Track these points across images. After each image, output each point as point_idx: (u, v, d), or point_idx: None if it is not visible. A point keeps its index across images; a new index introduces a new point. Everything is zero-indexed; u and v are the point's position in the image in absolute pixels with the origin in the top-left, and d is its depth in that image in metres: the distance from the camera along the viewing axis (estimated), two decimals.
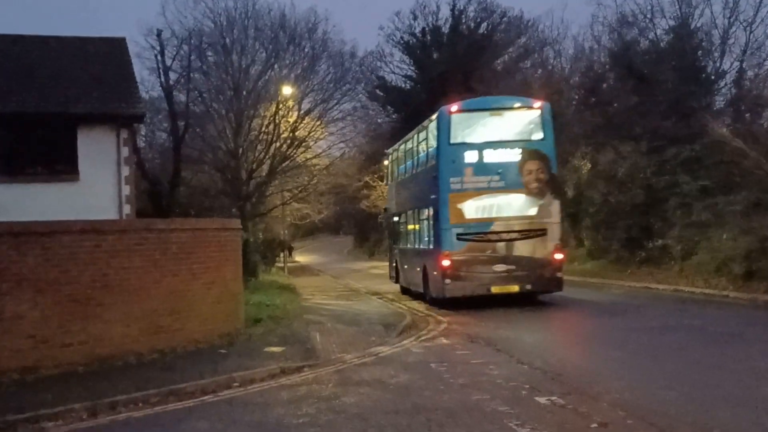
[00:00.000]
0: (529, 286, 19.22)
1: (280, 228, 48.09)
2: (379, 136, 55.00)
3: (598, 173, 32.51)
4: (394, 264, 26.18)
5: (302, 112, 37.23)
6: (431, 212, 20.39)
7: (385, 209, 29.15)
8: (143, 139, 37.12)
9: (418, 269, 21.72)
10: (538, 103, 20.30)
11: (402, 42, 54.00)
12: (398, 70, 55.66)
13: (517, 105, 20.61)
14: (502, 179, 19.32)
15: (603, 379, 10.13)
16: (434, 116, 20.60)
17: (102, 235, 12.28)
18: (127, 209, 18.87)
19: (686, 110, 28.29)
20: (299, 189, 40.97)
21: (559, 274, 19.43)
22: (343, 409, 8.99)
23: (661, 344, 12.79)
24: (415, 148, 23.23)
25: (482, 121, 20.18)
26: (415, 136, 23.25)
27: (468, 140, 19.70)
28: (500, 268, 19.16)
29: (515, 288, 19.16)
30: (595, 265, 29.79)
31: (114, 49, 22.07)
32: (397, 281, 25.75)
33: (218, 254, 14.34)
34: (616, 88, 32.56)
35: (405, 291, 24.43)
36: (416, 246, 22.56)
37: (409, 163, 24.10)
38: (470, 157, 19.42)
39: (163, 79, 32.21)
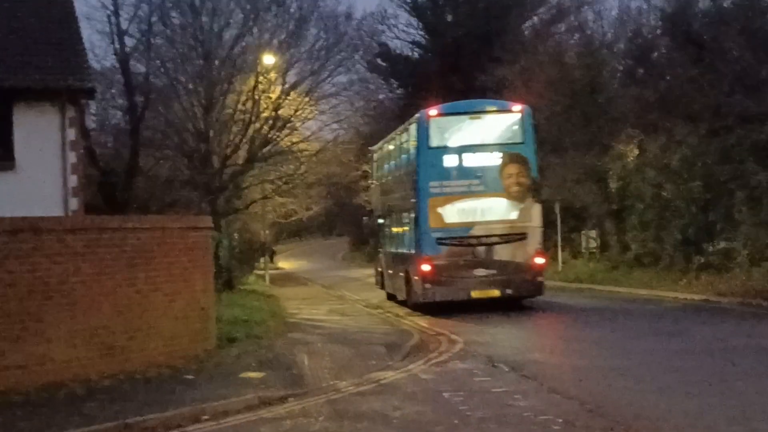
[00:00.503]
0: (509, 291, 22.23)
1: (261, 227, 48.08)
2: (381, 116, 54.99)
3: (647, 161, 32.44)
4: (380, 269, 29.35)
5: (287, 86, 37.20)
6: (412, 216, 23.31)
7: (370, 211, 31.98)
8: (93, 118, 37.07)
9: (401, 274, 24.61)
10: (518, 107, 23.41)
11: (409, 1, 53.98)
12: (404, 35, 55.72)
13: (496, 108, 24.19)
14: (482, 183, 22.47)
15: (652, 412, 10.09)
16: (414, 119, 23.83)
17: (41, 235, 12.26)
18: (73, 204, 18.84)
19: (756, 84, 28.20)
20: (283, 180, 40.92)
21: (540, 279, 22.49)
22: None
23: (723, 371, 12.75)
24: (396, 150, 26.47)
25: (462, 124, 23.43)
26: (397, 137, 26.34)
27: (448, 144, 22.95)
28: (480, 272, 22.15)
29: (496, 293, 22.13)
30: (644, 273, 29.73)
31: (57, 9, 22.01)
32: (382, 287, 28.65)
33: (184, 259, 14.32)
34: (669, 57, 32.49)
35: (390, 297, 27.06)
36: (399, 250, 25.56)
37: (392, 164, 27.46)
38: (450, 160, 22.61)
39: (117, 46, 32.18)
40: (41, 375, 11.88)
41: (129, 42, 32.70)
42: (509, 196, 22.59)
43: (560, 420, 9.68)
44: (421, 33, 54.65)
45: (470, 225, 22.43)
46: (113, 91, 35.92)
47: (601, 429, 9.18)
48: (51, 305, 12.15)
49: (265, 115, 35.85)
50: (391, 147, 27.59)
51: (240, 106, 35.54)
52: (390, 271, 27.14)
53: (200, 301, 14.83)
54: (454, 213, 22.44)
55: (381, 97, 56.42)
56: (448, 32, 49.57)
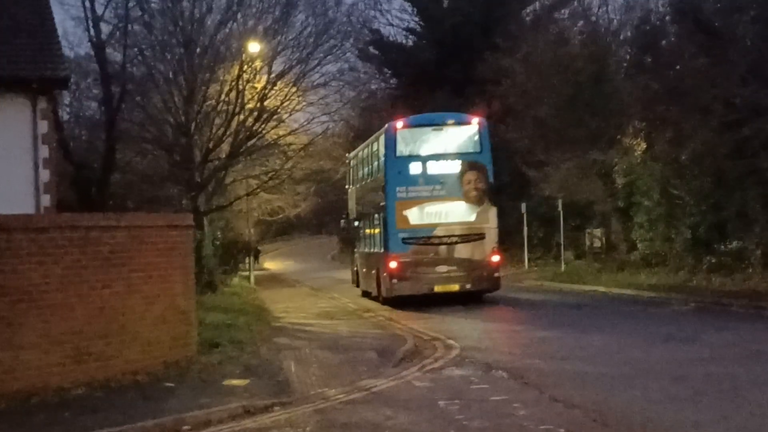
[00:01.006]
0: (468, 286, 26.15)
1: (245, 226, 48.06)
2: (373, 107, 55.01)
3: (655, 156, 32.54)
4: (355, 268, 33.72)
5: (273, 75, 37.15)
6: (381, 218, 27.37)
7: (347, 214, 36.27)
8: (67, 110, 37.10)
9: (373, 271, 28.88)
10: (476, 119, 27.66)
11: None
12: (398, 21, 55.84)
13: (456, 121, 28.16)
14: (444, 188, 26.39)
15: (659, 422, 10.12)
16: (383, 130, 27.92)
17: (11, 234, 12.25)
18: (45, 200, 18.80)
19: None
20: (269, 175, 40.91)
21: (496, 275, 26.62)
22: None
23: (735, 378, 12.79)
24: (368, 158, 30.73)
25: (425, 135, 27.41)
26: (369, 146, 30.63)
27: (412, 153, 26.91)
28: (442, 269, 26.15)
29: (456, 287, 26.11)
30: (651, 274, 29.81)
31: None
32: (357, 285, 32.93)
33: (164, 260, 14.32)
34: (678, 45, 32.54)
35: (365, 294, 30.87)
36: (371, 250, 29.77)
37: (365, 170, 31.81)
38: (415, 168, 26.58)
39: (92, 32, 32.16)
40: (11, 383, 11.86)
41: (105, 28, 32.74)
42: (468, 200, 26.56)
43: (563, 430, 9.71)
44: (416, 19, 54.68)
45: (433, 226, 26.34)
46: (88, 80, 35.96)
47: None
48: (22, 309, 12.13)
49: (249, 106, 35.80)
50: (365, 155, 31.91)
51: (223, 97, 35.48)
52: (364, 270, 31.50)
53: (181, 304, 14.81)
54: (418, 215, 26.37)
55: (373, 87, 56.50)
56: (445, 18, 49.57)
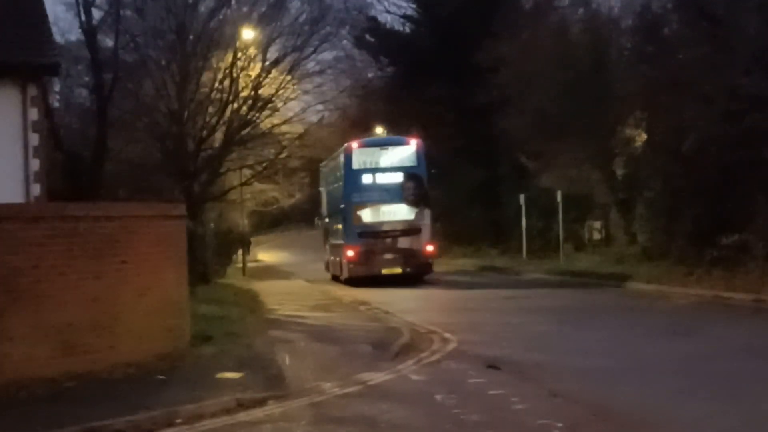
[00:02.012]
0: (408, 269, 33.35)
1: (239, 216, 48.07)
2: (370, 96, 54.99)
3: (656, 146, 32.56)
4: (326, 258, 40.40)
5: (268, 63, 37.11)
6: (342, 216, 34.80)
7: (320, 212, 43.80)
8: (57, 97, 36.99)
9: (338, 259, 36.11)
10: (414, 141, 35.25)
11: None
12: (395, 8, 55.65)
13: (398, 142, 36.14)
14: (389, 194, 33.77)
15: (659, 417, 10.15)
16: (343, 149, 35.52)
17: (0, 223, 12.21)
18: (35, 190, 18.74)
19: None
20: (264, 165, 40.89)
21: (430, 261, 34.12)
22: None
23: (737, 373, 12.83)
24: (333, 169, 38.22)
25: (375, 153, 35.00)
26: (335, 159, 37.86)
27: (365, 167, 34.30)
28: (388, 256, 33.47)
29: (399, 270, 33.28)
30: (652, 267, 29.81)
31: None
32: (328, 270, 39.45)
33: (156, 250, 14.30)
34: (681, 34, 32.53)
35: (334, 278, 37.34)
36: (336, 241, 36.77)
37: (331, 178, 39.13)
38: (367, 178, 34.18)
39: (83, 18, 32.03)
40: (0, 374, 11.85)
41: (96, 14, 32.51)
42: (407, 203, 33.94)
43: (561, 425, 9.72)
44: (414, 6, 54.53)
45: (381, 223, 33.99)
46: (79, 67, 35.79)
47: None
48: (11, 300, 12.12)
49: (243, 94, 35.77)
50: (332, 166, 39.24)
51: (217, 85, 35.43)
52: (332, 258, 38.63)
53: (173, 295, 14.81)
54: (370, 215, 34.08)
55: (370, 75, 56.33)
56: (443, 5, 49.40)
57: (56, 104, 35.13)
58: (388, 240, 33.69)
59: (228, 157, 37.21)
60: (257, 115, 36.66)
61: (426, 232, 33.91)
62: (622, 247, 34.40)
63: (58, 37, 27.96)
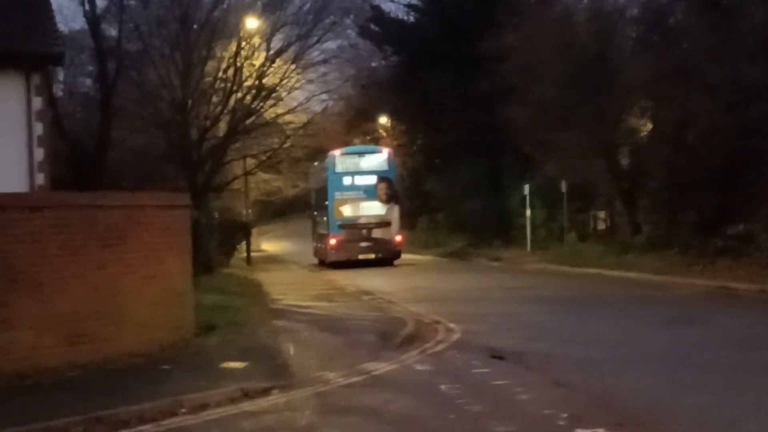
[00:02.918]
0: (380, 255, 39.65)
1: (242, 206, 48.09)
2: (374, 85, 54.99)
3: (661, 136, 32.50)
4: (314, 245, 46.31)
5: (272, 52, 37.14)
6: (326, 211, 40.67)
7: (310, 207, 49.64)
8: (61, 86, 37.03)
9: (322, 246, 42.14)
10: (386, 150, 42.82)
11: None
12: None
13: (373, 151, 43.04)
14: (365, 193, 39.93)
15: (664, 407, 10.16)
16: (328, 155, 41.26)
17: (5, 212, 12.24)
18: (40, 179, 18.77)
19: None
20: (267, 154, 40.93)
21: (398, 248, 40.69)
22: None
23: (741, 363, 12.83)
24: (320, 171, 43.68)
25: (354, 159, 41.01)
26: (321, 163, 43.59)
27: (346, 170, 40.18)
28: (363, 244, 39.54)
29: (372, 256, 39.48)
30: (657, 257, 29.79)
31: None
32: (315, 256, 45.32)
33: (160, 240, 14.31)
34: (686, 23, 32.46)
35: (321, 263, 43.10)
36: (321, 232, 42.92)
37: (318, 179, 44.57)
38: (347, 180, 40.01)
39: (87, 7, 32.03)
40: (5, 364, 11.88)
41: (100, 3, 32.59)
42: (380, 201, 40.05)
43: (565, 415, 9.72)
44: None
45: (358, 217, 39.89)
46: (83, 56, 35.87)
47: (610, 424, 9.22)
48: (16, 289, 12.15)
49: (247, 83, 35.81)
50: (320, 168, 44.33)
51: (220, 74, 35.48)
52: (318, 245, 44.55)
53: (177, 285, 14.81)
54: (349, 210, 39.88)
55: (374, 65, 56.38)
56: None
57: (60, 93, 35.14)
58: (364, 231, 39.82)
59: (232, 146, 37.29)
60: (261, 104, 36.71)
61: (395, 225, 40.48)
62: (627, 237, 34.32)
63: (62, 26, 27.96)
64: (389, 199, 39.92)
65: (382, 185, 39.95)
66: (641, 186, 33.86)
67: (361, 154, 42.14)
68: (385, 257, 39.83)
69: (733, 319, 17.92)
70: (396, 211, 40.41)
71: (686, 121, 29.85)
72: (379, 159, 41.31)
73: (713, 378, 11.82)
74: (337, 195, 39.86)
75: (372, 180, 40.06)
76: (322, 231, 42.41)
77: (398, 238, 40.52)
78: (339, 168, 40.21)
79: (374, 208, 39.96)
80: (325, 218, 41.36)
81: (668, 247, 30.27)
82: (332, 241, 39.69)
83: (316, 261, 44.50)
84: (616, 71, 33.70)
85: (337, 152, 40.97)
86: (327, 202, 40.42)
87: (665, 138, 31.58)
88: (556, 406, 10.18)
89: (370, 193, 39.87)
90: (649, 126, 34.95)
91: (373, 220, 39.86)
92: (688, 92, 29.92)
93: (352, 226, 39.56)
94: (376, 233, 39.77)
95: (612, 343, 15.20)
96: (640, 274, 27.49)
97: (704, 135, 29.00)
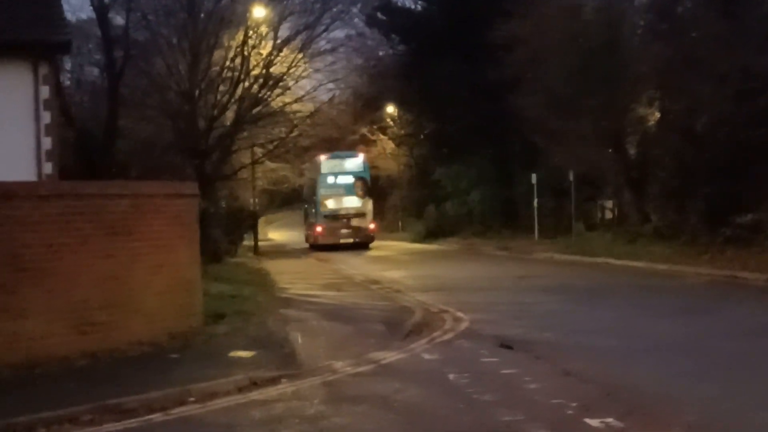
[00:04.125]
0: (357, 239, 47.07)
1: (250, 195, 48.14)
2: (381, 74, 54.97)
3: (669, 125, 32.42)
4: (305, 232, 55.11)
5: (279, 41, 37.10)
6: (314, 204, 48.94)
7: (304, 200, 57.30)
8: (69, 75, 37.04)
9: (311, 232, 50.57)
10: (361, 155, 51.14)
11: None
12: None
13: (352, 156, 50.76)
14: (345, 190, 47.81)
15: (673, 396, 10.16)
16: (317, 158, 49.07)
17: (14, 201, 12.26)
18: (47, 168, 18.78)
19: None
20: (275, 144, 40.91)
21: (372, 234, 48.30)
22: None
23: (749, 353, 12.81)
24: (311, 170, 51.64)
25: (337, 161, 49.03)
26: (313, 164, 50.51)
27: (330, 171, 48.16)
28: (344, 231, 47.06)
29: (351, 240, 46.73)
30: (665, 246, 29.75)
31: None
32: (306, 241, 53.38)
33: (168, 229, 14.33)
34: (695, 12, 32.36)
35: (311, 247, 50.41)
36: (311, 221, 51.31)
37: (310, 177, 52.85)
38: (331, 179, 47.94)
39: None
40: (14, 353, 11.91)
41: None
42: (357, 196, 48.04)
43: (575, 404, 9.72)
44: None
45: (339, 209, 47.81)
46: (90, 45, 35.89)
47: (619, 413, 9.21)
48: (25, 278, 12.16)
49: (255, 73, 35.78)
50: (311, 169, 52.17)
51: (228, 63, 35.45)
52: (308, 232, 53.14)
53: (186, 274, 14.84)
54: (332, 203, 47.91)
55: (381, 54, 56.36)
56: None
57: (67, 82, 35.16)
58: (344, 220, 47.83)
59: (239, 135, 37.29)
60: (268, 93, 36.69)
61: (369, 215, 48.71)
62: (635, 226, 34.26)
63: (69, 15, 27.98)
64: (364, 194, 48.44)
65: (359, 183, 48.39)
66: (649, 175, 33.79)
67: (342, 158, 50.30)
68: (362, 242, 47.58)
69: (741, 308, 17.91)
70: (370, 204, 48.85)
71: (695, 110, 29.78)
72: (356, 162, 49.99)
73: (722, 367, 11.82)
74: (323, 191, 48.07)
75: (350, 179, 48.28)
76: (312, 220, 50.98)
77: (371, 226, 48.93)
78: (325, 169, 48.52)
79: (352, 202, 48.09)
80: (313, 210, 49.88)
81: (676, 236, 30.23)
82: (319, 229, 48.00)
83: (327, 253, 44.43)
84: (624, 60, 33.62)
85: (323, 157, 49.11)
86: (315, 197, 48.91)
87: (674, 127, 31.51)
88: (565, 395, 10.18)
89: (349, 189, 48.18)
90: (658, 115, 34.84)
91: (351, 212, 48.04)
92: (697, 81, 29.84)
93: (334, 216, 47.67)
94: (354, 222, 47.86)
95: (620, 332, 15.18)
96: (648, 264, 27.46)
97: (713, 124, 28.93)
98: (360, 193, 48.10)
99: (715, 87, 28.98)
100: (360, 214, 48.01)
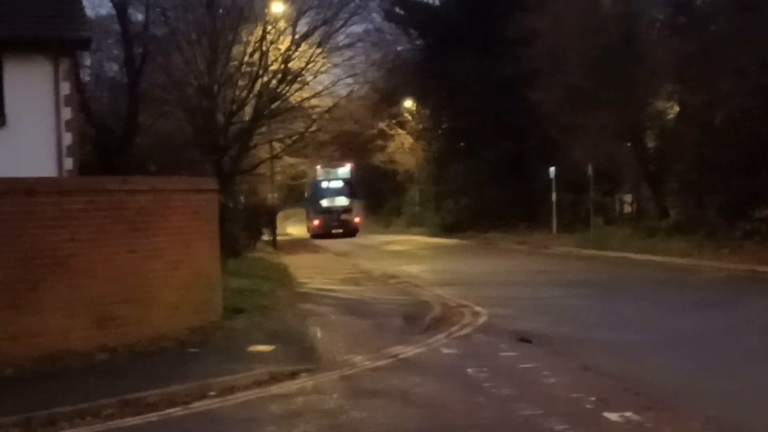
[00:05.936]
0: (345, 230, 58.16)
1: (268, 190, 48.20)
2: (399, 69, 54.82)
3: (688, 119, 32.29)
4: (307, 224, 64.87)
5: (297, 36, 37.06)
6: (312, 202, 62.04)
7: (306, 197, 66.05)
8: (89, 71, 37.13)
9: (310, 225, 62.31)
10: (348, 164, 61.90)
11: None
12: None
13: (340, 165, 61.16)
14: (336, 191, 60.56)
15: (692, 390, 10.14)
16: (315, 169, 60.66)
17: (35, 197, 12.32)
18: (68, 163, 18.90)
19: None
20: (293, 139, 40.92)
21: (357, 227, 60.49)
22: (353, 427, 9.05)
23: None
24: (311, 177, 62.24)
25: (330, 171, 60.99)
26: (314, 172, 61.35)
27: (324, 177, 61.29)
28: (334, 223, 59.10)
29: (341, 231, 58.09)
30: (683, 241, 29.63)
31: None
32: (307, 232, 63.11)
33: (188, 224, 14.37)
34: (713, 5, 32.19)
35: (311, 236, 59.80)
36: (310, 215, 62.47)
37: (310, 182, 63.00)
38: (324, 184, 61.21)
39: None
40: (35, 347, 11.97)
41: None
42: (345, 196, 59.70)
43: (593, 398, 9.71)
44: None
45: (331, 206, 59.13)
46: (109, 41, 35.92)
47: (638, 408, 9.20)
48: (45, 273, 12.22)
49: (273, 68, 35.76)
50: (312, 176, 61.96)
51: (246, 59, 35.45)
52: (308, 224, 63.26)
53: (205, 269, 14.89)
54: (326, 201, 59.40)
55: (399, 48, 56.14)
56: None
57: (86, 78, 35.24)
58: (335, 215, 59.15)
59: (258, 130, 37.28)
60: (287, 88, 36.66)
61: (354, 211, 60.34)
62: (653, 221, 34.14)
63: (89, 11, 28.03)
64: (350, 195, 60.26)
65: (347, 186, 60.51)
66: (668, 169, 33.66)
67: (334, 167, 60.76)
68: (348, 232, 58.22)
69: (760, 302, 17.84)
70: (356, 203, 60.99)
71: (713, 104, 29.62)
72: (345, 170, 61.49)
73: (740, 362, 11.78)
74: (318, 192, 60.13)
75: (340, 183, 60.55)
76: (311, 215, 62.42)
77: (357, 219, 60.82)
78: (320, 176, 60.80)
79: (341, 201, 59.79)
80: (312, 207, 61.88)
81: (695, 230, 30.10)
82: (315, 222, 60.18)
83: (343, 247, 45.18)
84: (642, 54, 33.48)
85: (319, 167, 59.84)
86: (314, 197, 60.91)
87: (692, 121, 31.37)
88: (584, 389, 10.17)
89: (339, 191, 60.00)
90: (676, 109, 34.71)
91: (340, 209, 59.49)
92: (715, 75, 29.67)
93: (328, 211, 59.35)
94: (343, 216, 59.40)
95: (639, 327, 15.14)
96: (667, 258, 27.38)
97: (731, 118, 28.78)
98: (347, 194, 60.27)
99: (734, 80, 28.81)
100: (347, 210, 59.92)
